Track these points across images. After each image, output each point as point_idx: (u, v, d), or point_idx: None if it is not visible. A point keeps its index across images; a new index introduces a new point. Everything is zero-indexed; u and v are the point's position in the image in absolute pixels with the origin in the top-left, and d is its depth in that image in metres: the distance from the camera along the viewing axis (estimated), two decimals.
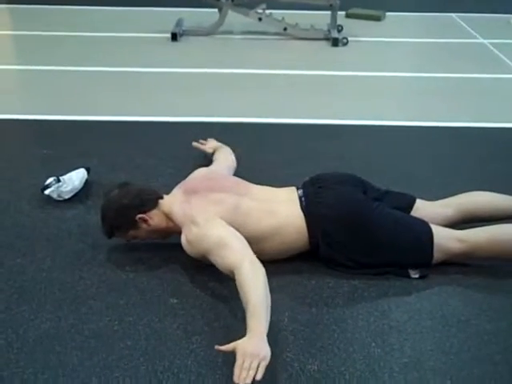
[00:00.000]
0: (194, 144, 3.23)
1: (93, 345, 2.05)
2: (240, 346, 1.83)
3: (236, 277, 2.09)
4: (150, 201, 2.47)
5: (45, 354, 2.01)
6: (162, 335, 2.10)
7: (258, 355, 1.80)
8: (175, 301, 2.27)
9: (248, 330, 1.90)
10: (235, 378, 1.75)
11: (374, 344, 2.07)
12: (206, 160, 3.05)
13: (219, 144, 3.19)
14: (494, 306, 2.26)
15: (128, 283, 2.36)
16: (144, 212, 2.43)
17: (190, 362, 1.98)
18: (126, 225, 2.44)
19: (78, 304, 2.24)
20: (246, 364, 1.77)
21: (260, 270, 2.09)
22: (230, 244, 2.20)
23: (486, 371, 1.97)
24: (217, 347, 1.87)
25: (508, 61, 5.18)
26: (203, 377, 1.92)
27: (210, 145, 3.21)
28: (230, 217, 2.33)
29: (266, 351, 1.84)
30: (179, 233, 2.38)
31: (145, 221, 2.43)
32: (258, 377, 1.75)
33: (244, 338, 1.87)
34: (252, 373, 1.75)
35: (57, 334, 2.09)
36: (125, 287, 2.34)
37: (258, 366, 1.77)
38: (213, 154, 3.12)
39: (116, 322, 2.15)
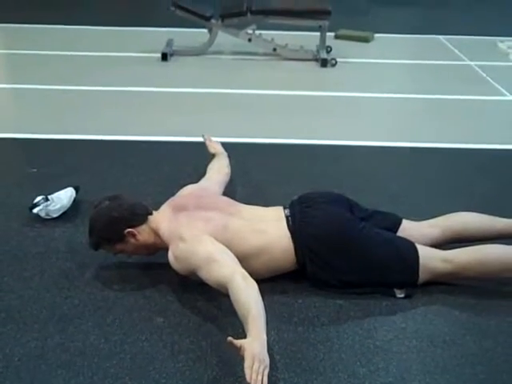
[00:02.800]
0: (204, 135, 3.28)
1: (79, 363, 2.05)
2: (247, 346, 1.86)
3: (230, 290, 2.10)
4: (140, 216, 2.48)
5: (30, 373, 2.00)
6: (149, 354, 2.10)
7: (263, 361, 1.84)
8: (162, 320, 2.27)
9: (249, 335, 1.93)
10: (248, 378, 1.78)
11: (359, 363, 2.08)
12: (195, 178, 3.06)
13: (221, 150, 3.20)
14: (479, 326, 2.28)
15: (115, 302, 2.36)
16: (133, 226, 2.44)
17: (176, 381, 1.99)
18: (114, 238, 2.44)
19: (64, 323, 2.24)
20: (256, 367, 1.81)
21: (253, 283, 2.12)
22: (219, 259, 2.22)
23: None
24: (229, 339, 1.88)
25: (494, 83, 5.24)
26: None
27: (214, 145, 3.23)
28: (218, 235, 2.34)
29: (268, 359, 1.88)
30: (166, 249, 2.39)
31: (133, 235, 2.43)
32: (265, 383, 1.79)
33: (249, 339, 1.90)
34: (260, 377, 1.79)
35: (43, 353, 2.09)
36: (112, 306, 2.34)
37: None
38: (212, 156, 3.14)
39: (102, 341, 2.15)
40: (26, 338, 2.16)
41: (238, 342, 1.88)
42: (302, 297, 2.40)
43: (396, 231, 2.58)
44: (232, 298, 2.09)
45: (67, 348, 2.12)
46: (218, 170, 3.00)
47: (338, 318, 2.30)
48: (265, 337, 1.94)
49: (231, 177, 3.04)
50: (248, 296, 2.06)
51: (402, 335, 2.22)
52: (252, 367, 1.80)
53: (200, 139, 3.32)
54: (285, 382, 1.99)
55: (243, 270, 2.18)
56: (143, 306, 2.34)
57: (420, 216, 2.72)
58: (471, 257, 2.42)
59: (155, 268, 2.54)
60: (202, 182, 2.86)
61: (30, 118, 4.25)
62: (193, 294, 2.39)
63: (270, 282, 2.41)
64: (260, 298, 2.07)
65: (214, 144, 3.25)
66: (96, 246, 2.49)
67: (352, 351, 2.14)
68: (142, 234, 2.45)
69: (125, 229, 2.42)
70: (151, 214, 2.51)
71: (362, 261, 2.40)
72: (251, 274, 2.19)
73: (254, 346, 1.87)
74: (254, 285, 2.11)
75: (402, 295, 2.40)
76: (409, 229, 2.60)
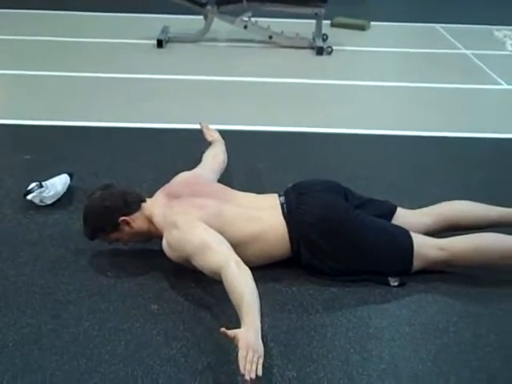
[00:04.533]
0: (201, 123, 3.25)
1: (72, 350, 2.05)
2: (241, 336, 1.86)
3: (223, 277, 2.10)
4: (133, 204, 2.47)
5: (24, 359, 2.01)
6: (143, 341, 2.10)
7: (257, 350, 1.84)
8: (156, 306, 2.27)
9: (244, 323, 1.93)
10: (242, 369, 1.78)
11: (352, 350, 2.09)
12: (191, 166, 3.05)
13: (218, 138, 3.17)
14: (472, 314, 2.29)
15: (109, 289, 2.36)
16: (127, 214, 2.43)
17: (169, 368, 1.99)
18: (109, 227, 2.44)
19: (58, 309, 2.24)
20: (250, 357, 1.80)
21: (247, 270, 2.12)
22: (213, 246, 2.22)
23: (463, 378, 2.00)
24: (222, 330, 1.88)
25: (490, 71, 5.24)
26: (183, 382, 1.93)
27: (211, 133, 3.20)
28: (212, 222, 2.34)
29: (262, 348, 1.87)
30: (161, 237, 2.39)
31: (127, 223, 2.43)
32: (259, 372, 1.79)
33: (243, 329, 1.89)
34: (254, 367, 1.79)
35: (36, 339, 2.09)
36: (106, 293, 2.34)
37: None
38: (209, 144, 3.13)
39: (96, 327, 2.16)
40: (20, 323, 2.16)
41: (231, 332, 1.88)
42: (296, 284, 2.41)
43: (390, 219, 2.58)
44: (226, 285, 2.09)
45: (61, 334, 2.12)
46: (214, 158, 2.99)
47: (332, 306, 2.31)
48: (259, 325, 1.94)
49: (227, 164, 3.04)
50: (242, 284, 2.06)
51: (396, 323, 2.23)
52: (246, 357, 1.80)
53: (196, 126, 3.31)
54: (278, 369, 2.00)
55: (237, 257, 2.18)
56: (137, 293, 2.34)
57: (415, 204, 2.72)
58: (465, 245, 2.43)
59: (149, 255, 2.54)
60: (197, 169, 2.85)
61: (24, 104, 4.22)
62: (187, 281, 2.39)
63: (264, 269, 2.41)
64: (254, 285, 2.07)
65: (212, 132, 3.23)
66: (91, 236, 2.49)
67: (346, 338, 2.14)
68: (136, 221, 2.45)
69: (118, 217, 2.42)
70: (144, 201, 2.51)
71: (356, 249, 2.40)
72: (245, 262, 2.20)
73: (248, 335, 1.87)
74: (248, 272, 2.11)
75: (396, 283, 2.41)
76: (403, 217, 2.60)
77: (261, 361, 1.82)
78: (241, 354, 1.81)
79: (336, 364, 2.03)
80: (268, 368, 1.99)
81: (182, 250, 2.29)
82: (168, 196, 2.50)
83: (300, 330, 2.18)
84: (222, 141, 3.16)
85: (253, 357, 1.80)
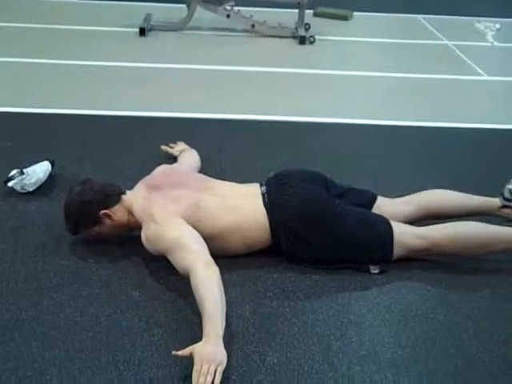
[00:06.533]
0: (163, 147, 3.21)
1: (54, 336, 2.05)
2: (197, 350, 1.86)
3: (191, 279, 2.10)
4: (113, 196, 2.47)
5: (5, 345, 2.00)
6: (124, 327, 2.11)
7: (214, 360, 1.83)
8: (138, 293, 2.28)
9: (204, 333, 1.93)
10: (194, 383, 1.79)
11: (332, 337, 2.11)
12: (172, 156, 3.06)
13: (187, 147, 3.18)
14: (451, 301, 2.32)
15: (91, 275, 2.36)
16: (107, 208, 2.43)
17: (150, 354, 2.00)
18: (90, 221, 2.44)
19: (39, 295, 2.24)
20: (204, 369, 1.80)
21: (214, 272, 2.11)
22: (186, 245, 2.21)
23: (440, 364, 2.02)
24: (174, 353, 1.89)
25: (471, 62, 5.28)
26: (163, 368, 1.94)
27: (177, 148, 3.20)
28: (191, 214, 2.34)
29: (222, 356, 1.87)
30: (141, 228, 2.39)
31: (108, 216, 2.43)
32: (216, 382, 1.79)
33: (200, 343, 1.89)
34: (210, 378, 1.79)
35: (17, 326, 2.09)
36: (87, 279, 2.34)
37: (215, 372, 1.81)
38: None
39: (78, 314, 2.16)
40: (1, 310, 2.16)
41: (185, 351, 1.87)
42: (278, 271, 2.42)
43: (371, 208, 2.60)
44: (192, 288, 2.09)
45: (42, 321, 2.12)
46: (190, 157, 3.02)
47: (313, 293, 2.32)
48: (220, 333, 1.93)
49: (207, 152, 3.04)
50: (206, 289, 2.04)
51: (376, 310, 2.25)
52: (199, 371, 1.80)
53: (177, 114, 3.30)
54: (260, 355, 2.01)
55: (207, 257, 2.17)
56: (119, 280, 2.34)
57: (397, 193, 2.74)
58: (445, 233, 2.46)
59: (131, 243, 2.53)
60: (176, 164, 2.88)
61: (4, 91, 4.18)
62: (168, 269, 2.37)
63: (245, 256, 2.43)
64: (219, 288, 2.05)
65: (177, 146, 3.21)
66: (74, 231, 2.50)
67: (326, 325, 2.16)
68: (117, 214, 2.45)
69: (99, 211, 2.42)
70: (124, 193, 2.51)
71: (336, 238, 2.41)
72: (225, 251, 2.20)
73: (203, 348, 1.86)
74: (216, 274, 2.10)
75: (377, 271, 2.43)
76: (383, 205, 2.62)
77: (220, 369, 1.82)
78: (194, 368, 1.81)
79: (317, 350, 2.05)
80: (249, 354, 2.00)
81: (158, 246, 2.30)
82: (148, 188, 2.49)
83: (281, 316, 2.19)
84: (191, 149, 3.15)
85: (208, 368, 1.80)
